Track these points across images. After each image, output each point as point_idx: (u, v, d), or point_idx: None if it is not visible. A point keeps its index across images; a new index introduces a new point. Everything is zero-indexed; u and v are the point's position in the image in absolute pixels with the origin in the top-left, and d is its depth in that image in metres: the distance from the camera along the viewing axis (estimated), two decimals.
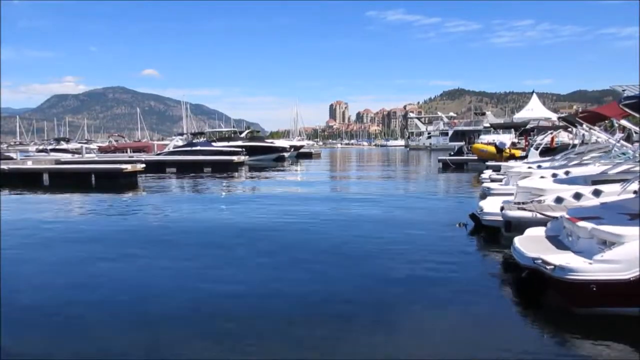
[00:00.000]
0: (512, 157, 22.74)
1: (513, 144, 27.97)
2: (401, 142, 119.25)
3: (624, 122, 10.96)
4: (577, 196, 7.76)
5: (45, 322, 5.09)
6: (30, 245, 8.93)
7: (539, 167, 12.68)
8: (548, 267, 4.85)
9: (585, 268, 4.66)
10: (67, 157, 34.45)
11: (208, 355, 4.29)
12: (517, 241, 5.81)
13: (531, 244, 5.65)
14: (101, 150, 45.91)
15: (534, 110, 63.91)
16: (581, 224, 5.29)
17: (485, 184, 12.92)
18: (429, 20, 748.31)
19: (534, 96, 70.82)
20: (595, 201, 6.83)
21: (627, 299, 4.62)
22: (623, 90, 10.24)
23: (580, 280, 4.64)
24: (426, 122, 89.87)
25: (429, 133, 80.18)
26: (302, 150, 52.45)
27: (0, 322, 4.98)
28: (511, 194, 9.40)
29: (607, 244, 4.84)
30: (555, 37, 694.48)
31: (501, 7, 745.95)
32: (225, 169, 29.22)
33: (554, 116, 55.51)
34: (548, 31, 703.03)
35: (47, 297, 5.93)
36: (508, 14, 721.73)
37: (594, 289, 4.60)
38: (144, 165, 23.51)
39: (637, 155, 8.65)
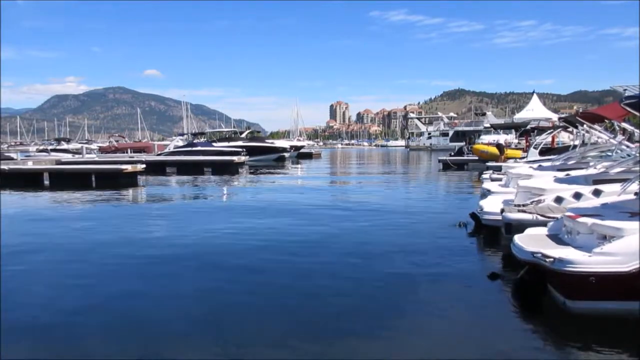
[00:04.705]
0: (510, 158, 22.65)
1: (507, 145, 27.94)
2: (401, 142, 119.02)
3: (624, 125, 10.94)
4: (577, 196, 7.75)
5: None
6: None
7: (540, 167, 12.66)
8: (547, 260, 4.85)
9: (585, 260, 4.66)
10: (68, 157, 34.42)
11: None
12: (517, 238, 5.82)
13: (531, 241, 5.66)
14: (102, 150, 45.92)
15: (535, 111, 63.86)
16: (581, 219, 5.30)
17: (485, 185, 12.89)
18: (431, 20, 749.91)
19: (535, 96, 70.77)
20: (596, 201, 6.81)
21: (625, 292, 4.61)
22: (624, 90, 10.20)
23: (579, 272, 4.64)
24: (426, 122, 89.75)
25: (429, 133, 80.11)
26: (302, 150, 52.46)
27: (0, 319, 4.98)
28: (511, 195, 9.38)
29: (606, 238, 4.85)
30: (558, 38, 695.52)
31: (504, 7, 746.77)
32: (225, 169, 29.20)
33: (554, 116, 55.42)
34: (550, 31, 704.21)
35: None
36: (511, 15, 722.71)
37: (593, 281, 4.60)
38: (144, 166, 23.52)
39: (638, 155, 8.63)
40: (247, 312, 5.27)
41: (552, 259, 4.82)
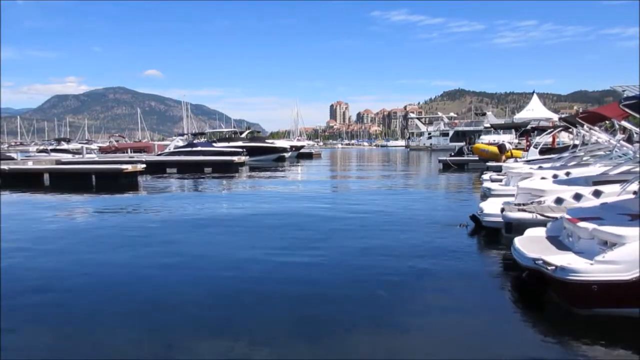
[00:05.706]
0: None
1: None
2: (402, 142, 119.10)
3: (624, 123, 10.94)
4: (577, 197, 7.76)
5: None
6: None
7: (540, 167, 12.67)
8: (549, 267, 4.85)
9: (587, 269, 4.66)
10: (68, 157, 34.46)
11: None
12: (517, 241, 5.80)
13: (531, 245, 5.65)
14: (102, 150, 45.95)
15: (535, 111, 63.93)
16: (582, 224, 5.29)
17: (485, 185, 12.89)
18: (432, 20, 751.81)
19: (535, 96, 70.77)
20: (595, 202, 6.82)
21: (627, 300, 4.62)
22: (623, 91, 10.22)
23: (582, 280, 4.64)
24: (426, 122, 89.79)
25: (429, 133, 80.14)
26: (302, 150, 52.46)
27: (0, 320, 4.98)
28: (511, 195, 9.40)
29: (608, 244, 4.85)
30: (558, 38, 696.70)
31: (505, 7, 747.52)
32: (225, 169, 29.22)
33: (554, 116, 55.52)
34: (551, 31, 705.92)
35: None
36: (512, 14, 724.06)
37: (595, 289, 4.61)
38: (144, 166, 23.51)
39: (638, 155, 8.63)
40: None
41: (553, 267, 4.82)
